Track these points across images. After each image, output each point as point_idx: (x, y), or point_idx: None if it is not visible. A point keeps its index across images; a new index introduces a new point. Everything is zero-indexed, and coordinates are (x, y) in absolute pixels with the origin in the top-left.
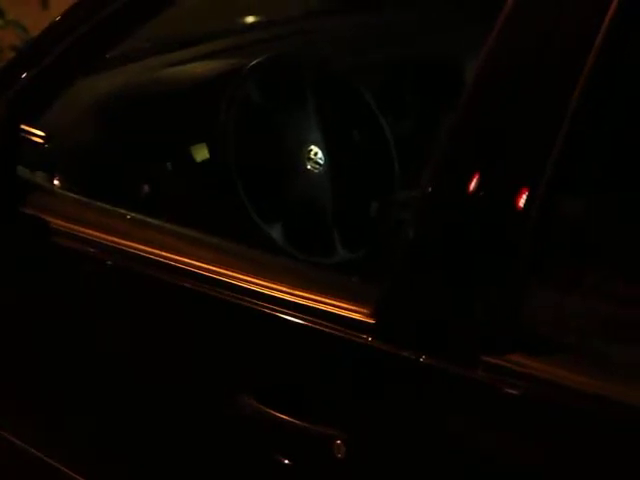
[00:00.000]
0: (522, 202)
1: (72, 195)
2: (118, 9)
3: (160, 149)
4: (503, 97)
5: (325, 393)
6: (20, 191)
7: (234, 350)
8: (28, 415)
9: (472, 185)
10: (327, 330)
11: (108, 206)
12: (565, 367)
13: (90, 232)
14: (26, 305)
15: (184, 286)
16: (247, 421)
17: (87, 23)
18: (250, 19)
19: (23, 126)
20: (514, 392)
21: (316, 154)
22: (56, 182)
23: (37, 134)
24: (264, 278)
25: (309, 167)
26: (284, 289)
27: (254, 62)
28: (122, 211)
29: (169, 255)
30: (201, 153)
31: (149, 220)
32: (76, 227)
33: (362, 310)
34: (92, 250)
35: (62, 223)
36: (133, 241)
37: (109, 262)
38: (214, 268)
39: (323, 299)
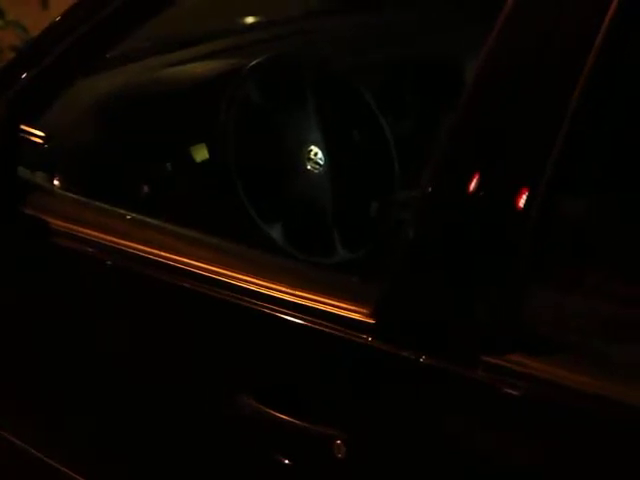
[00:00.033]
0: (522, 202)
1: (72, 195)
2: (118, 9)
3: (160, 149)
4: (503, 97)
5: (325, 393)
6: (20, 191)
7: (234, 350)
8: (28, 415)
9: (472, 185)
10: (327, 330)
11: (108, 206)
12: (565, 367)
13: (90, 232)
14: (26, 305)
15: (184, 286)
16: (247, 421)
17: (87, 23)
18: (250, 19)
19: (23, 126)
20: (514, 392)
21: (316, 154)
22: (56, 182)
23: (37, 134)
24: (264, 278)
25: (309, 167)
26: (284, 289)
27: (254, 62)
28: (122, 211)
29: (169, 255)
30: (201, 153)
31: (149, 220)
32: (76, 227)
33: (362, 310)
34: (92, 250)
35: (62, 223)
36: (133, 241)
37: (109, 262)
38: (214, 268)
39: (323, 299)
